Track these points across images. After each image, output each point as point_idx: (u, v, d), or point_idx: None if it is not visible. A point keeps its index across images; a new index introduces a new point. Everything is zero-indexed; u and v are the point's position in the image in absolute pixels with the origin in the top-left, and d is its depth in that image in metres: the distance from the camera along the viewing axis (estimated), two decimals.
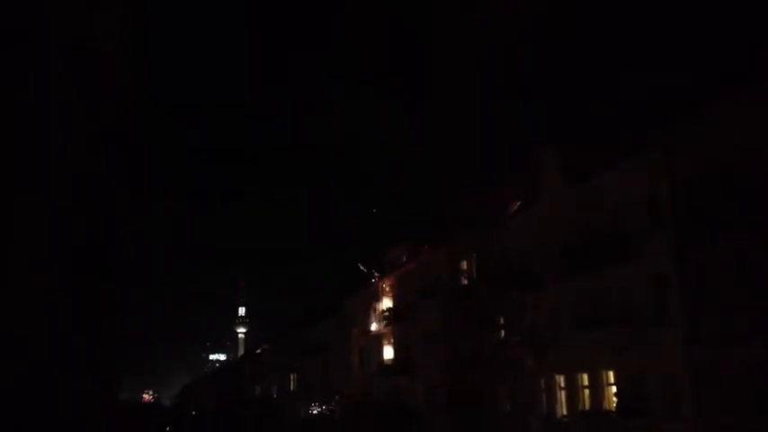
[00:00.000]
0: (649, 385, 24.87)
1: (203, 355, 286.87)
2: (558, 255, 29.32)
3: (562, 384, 30.36)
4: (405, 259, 46.61)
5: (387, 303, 47.47)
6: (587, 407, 28.59)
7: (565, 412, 30.03)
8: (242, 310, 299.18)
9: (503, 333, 34.73)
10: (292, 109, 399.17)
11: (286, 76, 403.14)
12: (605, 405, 27.33)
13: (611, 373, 27.51)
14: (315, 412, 58.64)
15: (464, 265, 38.67)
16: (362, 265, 50.84)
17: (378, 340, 48.24)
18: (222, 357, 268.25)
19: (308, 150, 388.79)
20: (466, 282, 38.30)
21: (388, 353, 46.98)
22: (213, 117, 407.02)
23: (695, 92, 24.39)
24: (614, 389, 26.96)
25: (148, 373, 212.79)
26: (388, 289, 47.93)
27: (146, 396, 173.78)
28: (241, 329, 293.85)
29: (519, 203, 34.64)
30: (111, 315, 20.32)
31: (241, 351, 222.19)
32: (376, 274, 49.31)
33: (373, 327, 49.30)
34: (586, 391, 28.81)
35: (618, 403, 26.39)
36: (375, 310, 49.05)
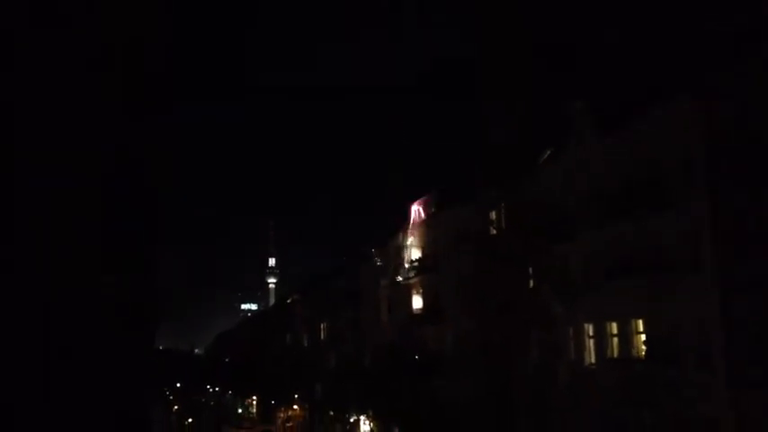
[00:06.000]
0: (680, 334, 24.82)
1: (235, 304, 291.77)
2: (589, 203, 29.10)
3: (591, 333, 30.43)
4: (434, 209, 46.59)
5: (416, 253, 47.66)
6: (616, 355, 28.68)
7: (593, 360, 30.17)
8: (272, 261, 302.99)
9: (532, 282, 34.78)
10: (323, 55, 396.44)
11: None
12: (634, 353, 27.40)
13: (640, 322, 27.49)
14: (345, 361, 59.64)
15: (493, 214, 38.58)
16: (392, 216, 50.87)
17: (407, 290, 48.60)
18: (254, 307, 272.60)
19: (338, 97, 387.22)
20: (495, 231, 38.27)
21: (417, 302, 47.34)
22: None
23: (732, 35, 23.70)
24: (643, 337, 26.97)
25: (181, 323, 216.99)
26: (416, 239, 48.07)
27: None
28: (271, 280, 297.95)
29: (549, 152, 34.28)
30: (145, 264, 20.69)
31: (272, 301, 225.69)
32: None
33: (402, 276, 49.61)
34: (615, 340, 28.86)
35: (647, 352, 26.43)
36: (404, 259, 49.30)
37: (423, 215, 47.80)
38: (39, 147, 17.78)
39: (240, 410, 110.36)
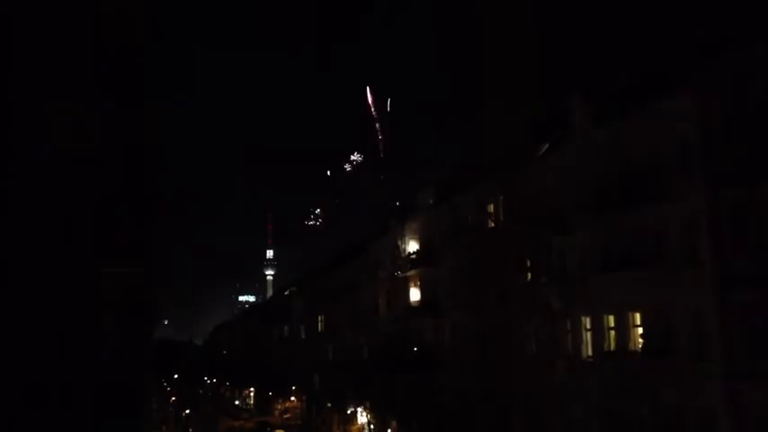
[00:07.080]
0: (677, 327, 24.89)
1: (233, 296, 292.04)
2: (586, 196, 29.13)
3: (588, 326, 30.50)
4: (432, 202, 46.65)
5: (413, 246, 47.73)
6: (613, 348, 28.75)
7: (590, 353, 30.24)
8: (270, 253, 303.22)
9: (530, 275, 34.83)
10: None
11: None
12: (631, 346, 27.47)
13: (637, 315, 27.56)
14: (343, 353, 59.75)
15: (491, 207, 38.62)
16: (391, 209, 50.84)
17: (404, 282, 48.69)
18: (251, 299, 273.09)
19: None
20: (492, 224, 38.32)
21: (415, 295, 47.44)
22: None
23: (728, 29, 23.76)
24: (640, 330, 27.05)
25: (180, 314, 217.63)
26: (414, 232, 48.12)
27: None
28: (269, 272, 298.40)
29: (547, 146, 34.30)
30: (145, 259, 20.76)
31: (270, 293, 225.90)
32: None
33: (400, 269, 49.68)
34: (612, 333, 28.94)
35: (644, 344, 26.51)
36: (402, 252, 49.35)
37: (422, 208, 47.86)
38: (37, 143, 17.81)
39: (237, 402, 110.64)
